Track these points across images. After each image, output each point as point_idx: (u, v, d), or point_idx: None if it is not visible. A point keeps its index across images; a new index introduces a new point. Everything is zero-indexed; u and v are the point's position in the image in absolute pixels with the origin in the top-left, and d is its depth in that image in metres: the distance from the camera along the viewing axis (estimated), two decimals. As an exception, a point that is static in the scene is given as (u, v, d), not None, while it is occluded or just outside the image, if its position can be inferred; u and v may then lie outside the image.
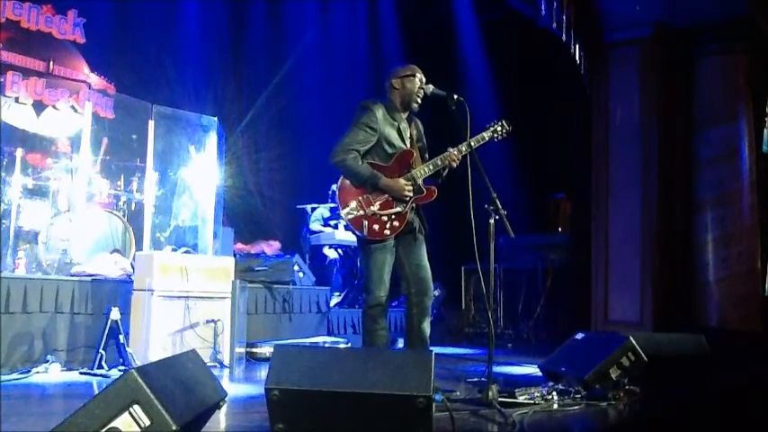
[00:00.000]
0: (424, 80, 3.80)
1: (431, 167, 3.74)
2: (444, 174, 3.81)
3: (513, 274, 8.46)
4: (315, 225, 8.05)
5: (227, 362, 4.93)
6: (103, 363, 4.43)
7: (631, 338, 3.78)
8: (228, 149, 8.37)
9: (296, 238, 8.43)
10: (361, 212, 3.63)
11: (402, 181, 3.68)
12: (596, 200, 7.36)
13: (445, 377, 4.47)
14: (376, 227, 3.63)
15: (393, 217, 3.66)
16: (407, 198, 3.67)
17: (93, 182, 6.27)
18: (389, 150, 3.74)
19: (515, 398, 3.43)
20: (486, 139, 3.85)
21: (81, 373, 4.43)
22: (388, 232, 3.64)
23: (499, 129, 3.89)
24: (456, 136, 3.71)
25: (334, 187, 5.41)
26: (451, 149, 3.72)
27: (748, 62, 7.05)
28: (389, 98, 3.82)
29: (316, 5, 9.42)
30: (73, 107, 6.91)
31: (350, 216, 3.63)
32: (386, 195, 3.66)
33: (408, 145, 3.81)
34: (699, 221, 6.99)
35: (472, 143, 3.72)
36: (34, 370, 4.34)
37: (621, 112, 7.26)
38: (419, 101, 3.80)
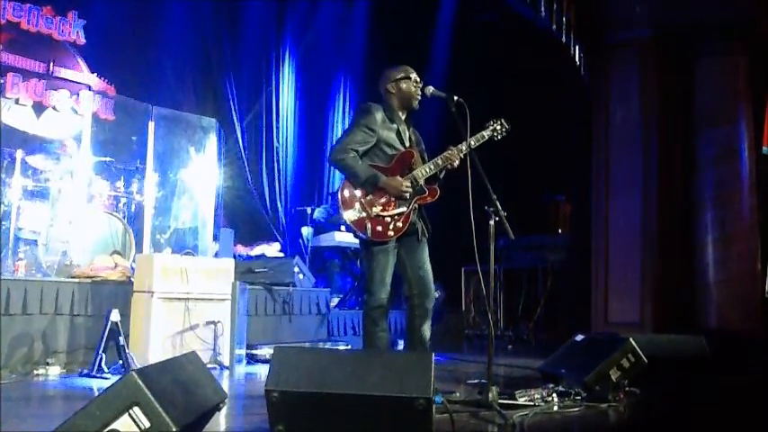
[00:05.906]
0: (418, 79, 3.81)
1: (432, 167, 3.74)
2: (442, 175, 3.81)
3: (513, 276, 8.47)
4: (318, 215, 8.02)
5: (227, 363, 4.93)
6: (103, 365, 4.41)
7: (631, 340, 3.78)
8: (228, 151, 8.36)
9: (296, 239, 8.43)
10: (364, 214, 3.61)
11: (400, 179, 3.68)
12: (596, 200, 7.35)
13: (445, 379, 4.47)
14: (379, 228, 3.62)
15: (396, 217, 3.65)
16: (407, 196, 3.67)
17: (93, 183, 6.27)
18: (389, 152, 3.74)
19: (515, 399, 3.42)
20: (486, 137, 3.85)
21: (81, 375, 4.42)
22: (391, 233, 3.63)
23: (498, 127, 3.90)
24: (456, 137, 3.71)
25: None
26: (452, 148, 3.72)
27: (748, 63, 7.04)
28: (387, 102, 3.82)
29: (315, 4, 9.42)
30: (73, 109, 6.91)
31: (353, 218, 3.62)
32: (387, 196, 3.65)
33: (408, 146, 3.81)
34: (699, 222, 6.98)
35: (472, 142, 3.73)
36: (34, 372, 4.34)
37: (621, 113, 7.26)
38: (419, 98, 3.81)
